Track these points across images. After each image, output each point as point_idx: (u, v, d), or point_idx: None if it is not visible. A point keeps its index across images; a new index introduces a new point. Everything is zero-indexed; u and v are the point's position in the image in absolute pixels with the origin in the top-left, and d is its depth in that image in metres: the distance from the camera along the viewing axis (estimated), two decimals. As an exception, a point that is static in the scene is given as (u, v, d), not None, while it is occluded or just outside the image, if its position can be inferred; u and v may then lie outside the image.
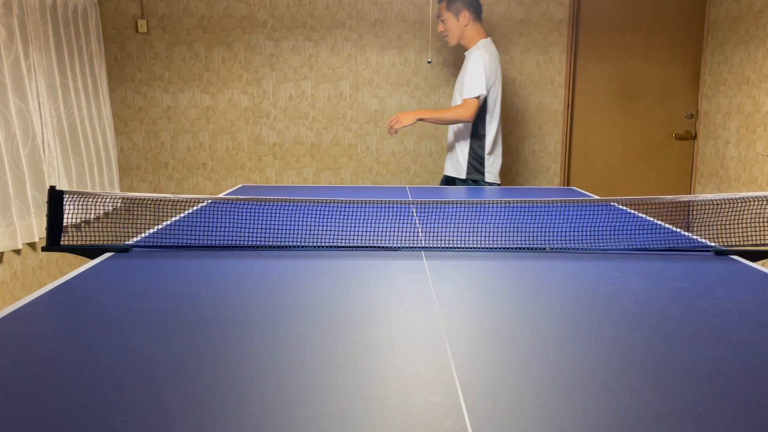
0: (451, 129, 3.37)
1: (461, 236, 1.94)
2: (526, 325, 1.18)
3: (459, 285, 1.44)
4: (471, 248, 1.78)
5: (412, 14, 4.00)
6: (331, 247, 1.79)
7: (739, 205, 1.86)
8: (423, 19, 4.00)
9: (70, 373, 0.97)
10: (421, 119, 3.18)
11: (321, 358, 1.03)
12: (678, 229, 2.08)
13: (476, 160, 3.29)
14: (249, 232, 2.00)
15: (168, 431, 0.80)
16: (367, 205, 2.43)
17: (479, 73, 3.13)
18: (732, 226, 1.85)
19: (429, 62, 3.82)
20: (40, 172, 3.10)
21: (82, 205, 1.83)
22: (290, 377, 0.95)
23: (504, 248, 1.78)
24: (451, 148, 3.40)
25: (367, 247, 1.79)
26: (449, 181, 3.45)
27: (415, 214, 2.33)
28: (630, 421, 0.82)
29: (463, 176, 3.33)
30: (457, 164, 3.35)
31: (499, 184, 3.36)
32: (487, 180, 3.30)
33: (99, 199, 1.90)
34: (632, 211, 2.40)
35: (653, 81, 4.14)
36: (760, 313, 1.24)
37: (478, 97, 3.13)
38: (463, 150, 3.31)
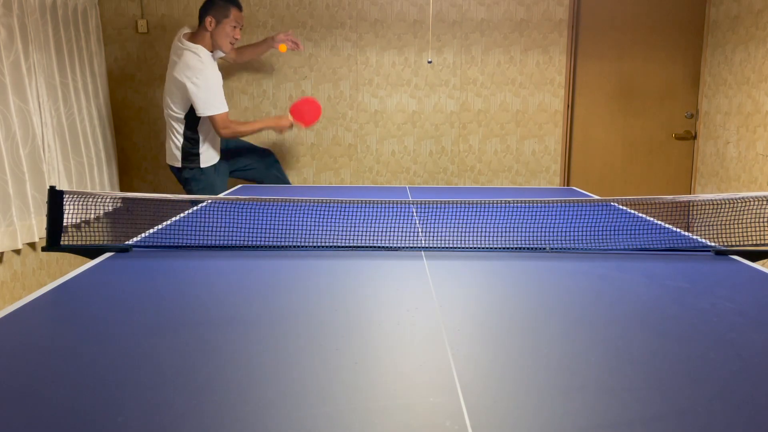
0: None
1: (461, 236, 1.94)
2: (526, 325, 1.18)
3: (459, 285, 1.44)
4: (471, 248, 1.78)
5: (412, 14, 4.00)
6: (331, 247, 1.79)
7: (739, 205, 1.86)
8: (423, 19, 3.99)
9: (71, 372, 0.97)
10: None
11: (321, 357, 1.03)
12: (678, 229, 2.08)
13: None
14: (249, 232, 2.00)
15: (168, 431, 0.80)
16: (367, 205, 2.43)
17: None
18: (732, 226, 1.85)
19: (429, 62, 3.82)
20: (40, 172, 3.09)
21: (82, 205, 1.83)
22: (290, 377, 0.95)
23: (504, 248, 1.78)
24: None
25: (367, 247, 1.79)
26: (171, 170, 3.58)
27: (415, 214, 2.33)
28: (630, 421, 0.82)
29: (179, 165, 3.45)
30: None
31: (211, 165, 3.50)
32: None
33: (99, 199, 1.90)
34: (632, 211, 2.40)
35: (653, 81, 4.14)
36: (760, 313, 1.24)
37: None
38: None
